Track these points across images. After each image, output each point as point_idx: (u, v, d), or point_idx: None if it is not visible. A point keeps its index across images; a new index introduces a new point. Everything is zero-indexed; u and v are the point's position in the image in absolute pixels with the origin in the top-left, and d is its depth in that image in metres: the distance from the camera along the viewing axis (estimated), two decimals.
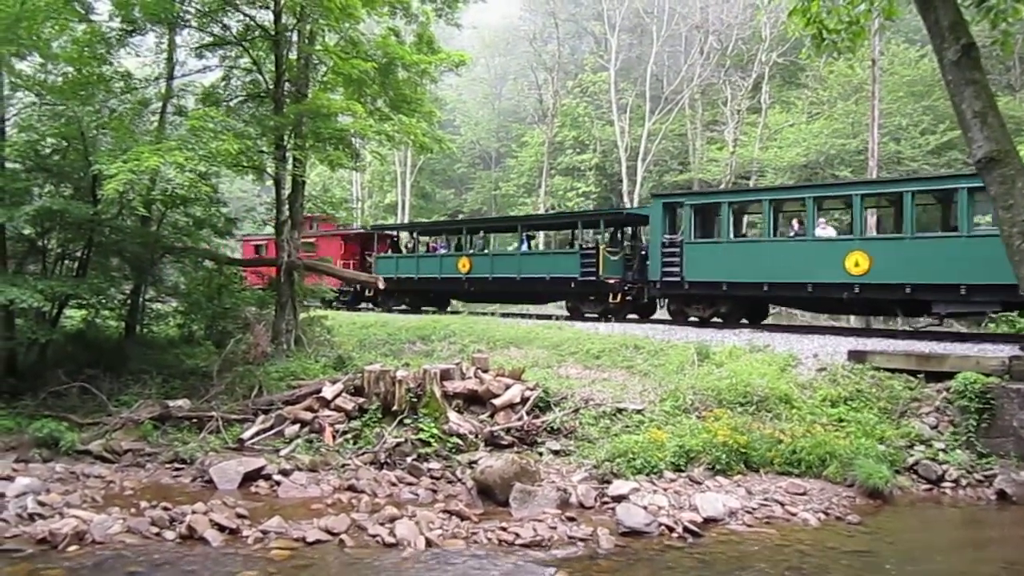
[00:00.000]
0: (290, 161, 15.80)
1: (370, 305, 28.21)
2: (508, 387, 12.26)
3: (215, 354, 15.27)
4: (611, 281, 20.60)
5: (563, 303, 24.15)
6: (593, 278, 20.55)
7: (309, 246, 28.65)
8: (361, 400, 12.10)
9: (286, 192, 16.37)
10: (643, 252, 20.96)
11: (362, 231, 31.02)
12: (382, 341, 17.77)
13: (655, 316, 21.78)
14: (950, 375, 11.47)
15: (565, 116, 45.17)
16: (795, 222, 17.82)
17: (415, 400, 11.76)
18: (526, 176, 47.68)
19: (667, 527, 8.35)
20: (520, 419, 11.68)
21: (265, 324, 16.10)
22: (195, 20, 15.75)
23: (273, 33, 15.57)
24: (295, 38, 15.97)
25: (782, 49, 36.97)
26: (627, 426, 11.51)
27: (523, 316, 22.30)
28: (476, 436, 11.22)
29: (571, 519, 8.65)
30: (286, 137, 15.45)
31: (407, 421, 11.50)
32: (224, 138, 12.89)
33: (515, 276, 22.58)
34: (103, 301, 15.11)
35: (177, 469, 10.63)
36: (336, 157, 16.70)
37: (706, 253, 18.19)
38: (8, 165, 14.07)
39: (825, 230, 17.42)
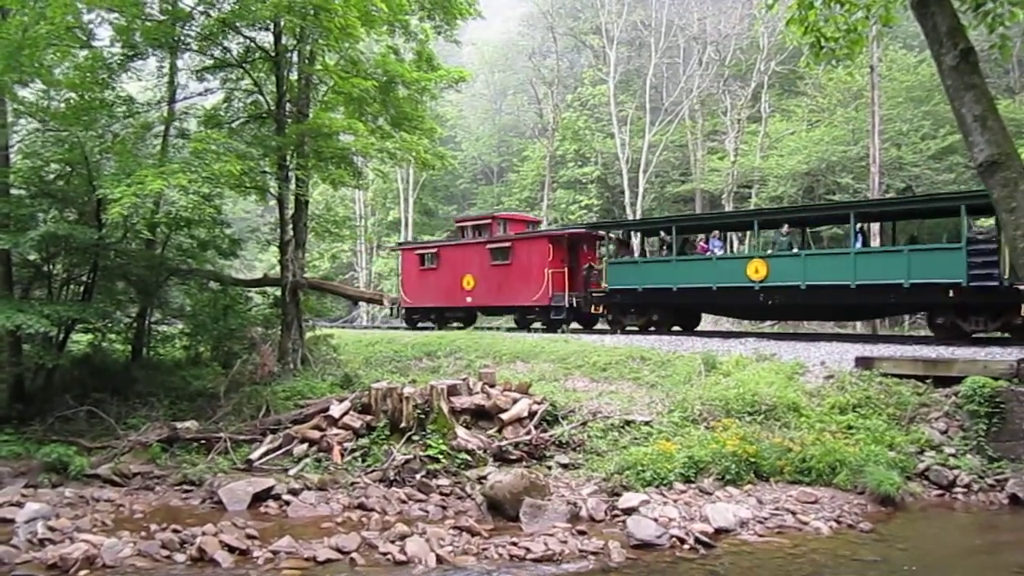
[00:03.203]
0: (293, 181, 15.87)
1: (577, 325, 22.96)
2: (515, 401, 12.24)
3: (222, 375, 15.30)
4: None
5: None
6: (992, 283, 14.47)
7: (502, 253, 23.96)
8: (369, 418, 12.09)
9: (289, 212, 16.42)
10: None
11: (576, 231, 24.16)
12: (388, 358, 17.77)
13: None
14: (958, 380, 11.44)
15: (565, 129, 45.20)
16: None
17: (423, 417, 11.73)
18: (528, 190, 47.67)
19: (678, 539, 8.33)
20: (528, 433, 11.65)
21: (271, 344, 16.12)
22: (196, 43, 15.84)
23: (273, 54, 15.69)
24: (295, 59, 16.07)
25: (781, 58, 37.00)
26: (635, 438, 11.48)
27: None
28: (484, 451, 11.19)
29: (582, 533, 8.63)
30: (288, 157, 15.54)
31: (415, 438, 11.48)
32: (227, 159, 12.96)
33: (847, 284, 16.30)
34: (109, 325, 15.18)
35: (186, 491, 10.63)
36: (338, 176, 16.75)
37: None
38: (13, 191, 14.19)
39: None
